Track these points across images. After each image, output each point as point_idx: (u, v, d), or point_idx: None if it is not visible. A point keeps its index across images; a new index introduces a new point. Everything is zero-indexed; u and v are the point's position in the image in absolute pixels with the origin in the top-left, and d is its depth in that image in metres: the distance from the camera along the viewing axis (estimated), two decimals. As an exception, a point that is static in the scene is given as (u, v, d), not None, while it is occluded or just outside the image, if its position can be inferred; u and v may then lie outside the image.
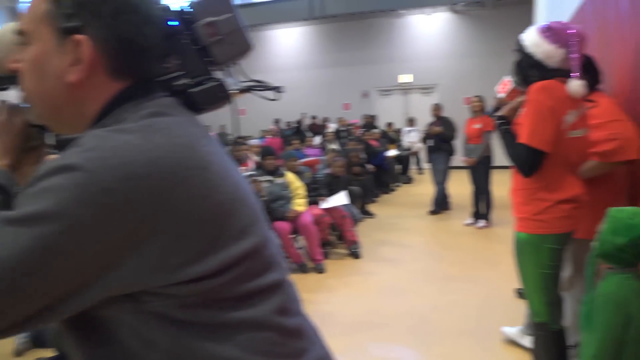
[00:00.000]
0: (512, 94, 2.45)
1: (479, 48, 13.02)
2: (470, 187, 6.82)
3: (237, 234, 0.73)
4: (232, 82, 0.91)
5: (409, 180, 11.34)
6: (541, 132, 2.08)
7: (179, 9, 0.86)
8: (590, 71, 2.42)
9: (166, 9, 0.84)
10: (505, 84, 2.47)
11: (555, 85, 2.13)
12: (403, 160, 11.40)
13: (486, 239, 6.03)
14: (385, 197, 9.59)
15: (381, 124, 12.98)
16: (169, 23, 0.83)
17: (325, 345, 0.91)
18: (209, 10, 0.86)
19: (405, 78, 14.30)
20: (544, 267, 2.21)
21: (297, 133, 12.17)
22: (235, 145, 7.80)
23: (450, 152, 7.59)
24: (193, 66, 0.86)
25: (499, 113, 2.36)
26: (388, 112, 14.35)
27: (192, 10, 0.85)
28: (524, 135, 2.12)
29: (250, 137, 11.88)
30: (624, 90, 2.82)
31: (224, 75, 0.91)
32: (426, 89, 14.22)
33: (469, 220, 6.84)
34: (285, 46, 15.74)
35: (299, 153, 9.11)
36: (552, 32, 2.15)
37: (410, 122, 11.50)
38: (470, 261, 5.14)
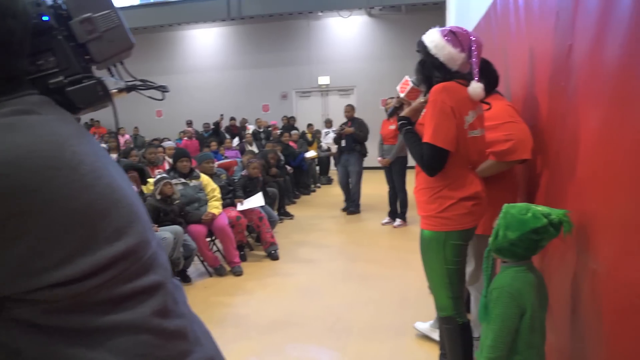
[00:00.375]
0: (412, 93, 2.53)
1: (395, 51, 13.40)
2: (386, 187, 6.99)
3: (110, 235, 0.70)
4: (112, 81, 0.88)
5: (328, 181, 11.49)
6: (444, 131, 2.16)
7: (53, 4, 0.82)
8: (487, 75, 2.53)
9: (40, 3, 0.79)
10: (405, 84, 2.54)
11: (456, 87, 2.22)
12: (322, 161, 11.52)
13: (402, 238, 6.20)
14: (304, 198, 9.65)
15: (301, 125, 13.05)
16: (43, 19, 0.79)
17: (216, 348, 0.89)
18: (85, 6, 0.82)
19: (323, 80, 14.47)
20: (449, 263, 2.30)
21: (215, 134, 11.96)
22: (150, 147, 7.56)
23: (363, 153, 7.75)
24: (69, 64, 0.81)
25: (402, 114, 2.43)
26: (307, 113, 14.47)
27: (65, 6, 0.81)
28: (427, 135, 2.19)
29: (166, 139, 11.57)
30: (520, 94, 3.00)
31: (106, 73, 0.88)
32: (344, 91, 14.45)
33: (386, 220, 7.02)
34: (203, 46, 15.46)
35: (216, 155, 8.99)
36: (454, 37, 2.23)
37: (329, 123, 11.64)
38: (387, 259, 5.27)
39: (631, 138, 1.44)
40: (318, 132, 12.16)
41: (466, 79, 2.29)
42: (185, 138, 11.62)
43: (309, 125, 12.57)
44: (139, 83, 0.95)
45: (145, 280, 0.75)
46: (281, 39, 14.59)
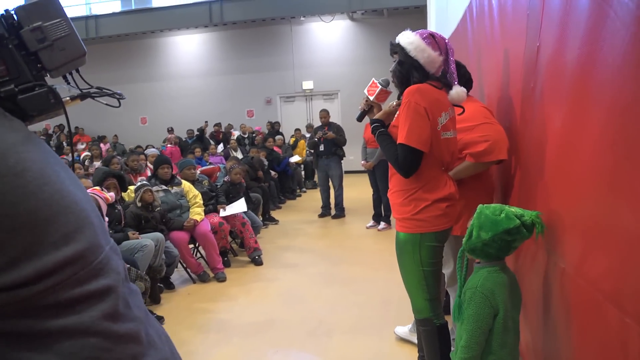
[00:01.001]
0: (381, 95, 2.54)
1: (378, 54, 13.44)
2: (370, 190, 7.02)
3: (58, 240, 0.70)
4: (65, 89, 0.88)
5: (314, 186, 11.48)
6: (418, 132, 2.17)
7: (4, 14, 0.82)
8: (461, 77, 2.56)
9: None
10: (374, 86, 2.55)
11: (429, 89, 2.24)
12: (308, 166, 11.53)
13: (386, 240, 6.22)
14: (290, 203, 9.65)
15: (286, 130, 13.06)
16: None
17: (173, 352, 0.90)
18: (36, 15, 0.83)
19: (307, 84, 14.50)
20: (425, 265, 2.31)
21: (199, 141, 11.94)
22: (132, 154, 7.53)
23: (342, 157, 7.80)
24: (20, 72, 0.82)
25: (375, 116, 2.45)
26: (292, 118, 14.48)
27: (16, 16, 0.82)
28: (401, 136, 2.20)
29: (150, 146, 11.53)
30: (494, 95, 3.03)
31: (59, 81, 0.88)
32: (328, 95, 14.49)
33: (371, 223, 7.04)
34: (186, 53, 15.43)
35: (201, 161, 8.97)
36: (433, 40, 2.26)
37: (310, 128, 11.64)
38: (370, 263, 5.28)
39: (591, 139, 1.47)
40: (304, 137, 12.18)
41: (440, 81, 2.32)
42: (169, 145, 11.57)
43: (297, 130, 12.58)
44: (94, 90, 0.95)
45: (95, 285, 0.75)
46: (264, 44, 14.60)
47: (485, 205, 1.97)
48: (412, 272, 2.35)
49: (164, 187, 5.03)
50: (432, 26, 8.42)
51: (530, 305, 2.23)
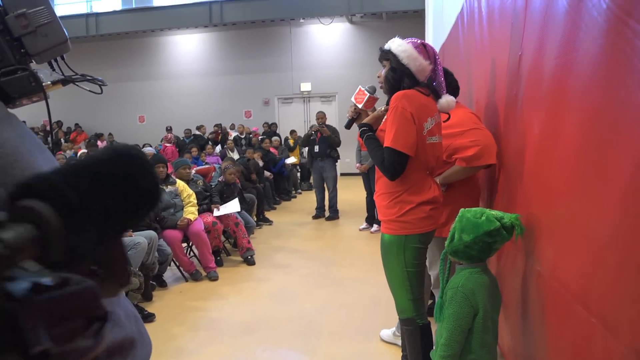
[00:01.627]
0: (369, 102, 2.60)
1: (376, 57, 13.06)
2: (364, 193, 7.07)
3: None
4: (47, 74, 0.93)
5: (310, 187, 11.53)
6: (405, 136, 2.23)
7: None
8: (448, 84, 2.61)
9: None
10: (361, 94, 2.61)
11: (416, 95, 2.29)
12: (304, 167, 11.58)
13: (378, 243, 6.10)
14: (285, 204, 9.70)
15: (283, 131, 13.11)
16: None
17: (140, 331, 0.92)
18: (20, 2, 0.88)
19: (305, 86, 14.57)
20: (409, 266, 2.37)
21: (196, 140, 11.98)
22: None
23: (337, 159, 7.88)
24: (3, 56, 0.87)
25: (364, 121, 2.50)
26: (289, 119, 14.54)
27: (1, 2, 0.87)
28: (388, 140, 2.26)
29: (147, 145, 11.57)
30: (482, 102, 3.09)
31: (42, 67, 0.93)
32: (326, 97, 14.55)
33: (363, 225, 7.09)
34: (186, 52, 15.49)
35: (197, 161, 9.02)
36: (424, 49, 2.32)
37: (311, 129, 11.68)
38: (361, 264, 5.33)
39: (565, 146, 1.52)
40: (299, 138, 12.23)
41: (428, 88, 2.37)
42: (167, 144, 11.62)
43: (292, 131, 12.63)
44: (76, 76, 1.00)
45: None
46: (263, 46, 14.67)
47: (467, 209, 2.03)
48: (397, 272, 2.40)
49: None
50: (430, 30, 8.50)
51: (511, 307, 2.29)
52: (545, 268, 1.73)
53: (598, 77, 1.29)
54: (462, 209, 2.04)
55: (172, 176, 5.33)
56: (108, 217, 0.47)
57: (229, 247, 6.06)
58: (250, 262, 5.49)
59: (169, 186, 5.15)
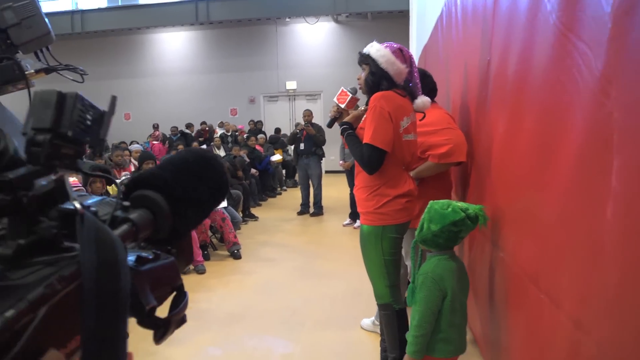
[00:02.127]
0: (351, 102, 2.77)
1: None
2: (347, 189, 7.25)
3: None
4: (31, 63, 1.05)
5: (295, 184, 11.67)
6: (382, 133, 2.40)
7: None
8: (425, 86, 2.78)
9: None
10: (343, 94, 2.77)
11: (393, 95, 2.46)
12: (289, 164, 11.72)
13: (361, 238, 6.43)
14: (271, 200, 9.85)
15: (268, 129, 13.23)
16: None
17: None
18: None
19: (290, 85, 14.71)
20: (386, 254, 2.54)
21: (183, 138, 12.05)
22: (116, 150, 7.65)
23: (322, 156, 8.07)
24: None
25: (344, 120, 2.67)
26: (275, 117, 14.67)
27: None
28: (367, 137, 2.42)
29: (134, 142, 11.61)
30: (457, 102, 3.27)
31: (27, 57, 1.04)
32: (311, 96, 14.71)
33: (347, 221, 7.26)
34: (172, 50, 15.52)
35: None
36: (401, 54, 2.49)
37: (296, 128, 11.83)
38: (344, 258, 5.49)
39: (524, 143, 1.70)
40: (285, 136, 12.35)
41: (405, 89, 2.54)
42: (154, 141, 11.68)
43: (276, 129, 12.76)
44: (59, 66, 1.11)
45: None
46: (249, 44, 14.77)
47: (435, 201, 2.20)
48: (375, 261, 2.57)
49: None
50: (414, 31, 8.67)
51: (481, 293, 2.47)
52: (508, 254, 1.91)
53: (547, 84, 1.47)
54: (430, 201, 2.21)
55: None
56: (199, 206, 0.59)
57: (216, 242, 6.19)
58: (236, 256, 5.63)
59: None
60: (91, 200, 0.58)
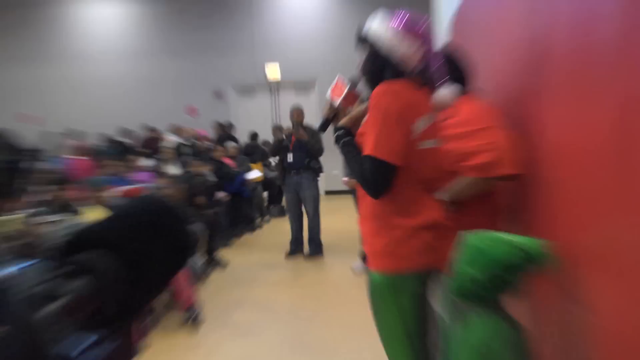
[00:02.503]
0: (348, 98, 2.68)
1: None
2: (355, 216, 7.12)
3: None
4: None
5: (281, 213, 11.55)
6: (389, 141, 2.31)
7: None
8: (452, 71, 2.70)
9: None
10: (339, 87, 2.69)
11: (403, 88, 2.38)
12: (272, 185, 11.62)
13: (377, 289, 6.31)
14: (246, 237, 9.79)
15: (243, 134, 13.14)
16: None
17: None
18: None
19: (272, 71, 14.65)
20: (408, 318, 2.42)
21: (119, 149, 11.97)
22: None
23: (319, 171, 8.00)
24: None
25: (339, 123, 2.58)
26: (251, 118, 14.67)
27: None
28: (368, 147, 2.34)
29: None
30: (506, 90, 3.17)
31: None
32: (302, 86, 14.74)
33: (358, 263, 7.12)
34: (102, 26, 15.47)
35: (121, 180, 9.00)
36: (413, 28, 2.41)
37: (279, 131, 11.83)
38: (357, 323, 5.30)
39: (605, 146, 1.61)
40: (267, 143, 12.29)
41: (421, 77, 2.45)
42: (75, 156, 11.59)
43: (254, 134, 12.70)
44: None
45: None
46: (213, 16, 14.81)
47: (473, 235, 2.10)
48: (392, 327, 2.46)
49: (58, 216, 5.10)
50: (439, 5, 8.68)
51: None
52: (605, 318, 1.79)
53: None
54: (467, 235, 2.11)
55: (79, 202, 5.35)
56: (157, 270, 0.67)
57: (165, 302, 6.04)
58: (195, 322, 5.49)
59: (71, 215, 5.16)
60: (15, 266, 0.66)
